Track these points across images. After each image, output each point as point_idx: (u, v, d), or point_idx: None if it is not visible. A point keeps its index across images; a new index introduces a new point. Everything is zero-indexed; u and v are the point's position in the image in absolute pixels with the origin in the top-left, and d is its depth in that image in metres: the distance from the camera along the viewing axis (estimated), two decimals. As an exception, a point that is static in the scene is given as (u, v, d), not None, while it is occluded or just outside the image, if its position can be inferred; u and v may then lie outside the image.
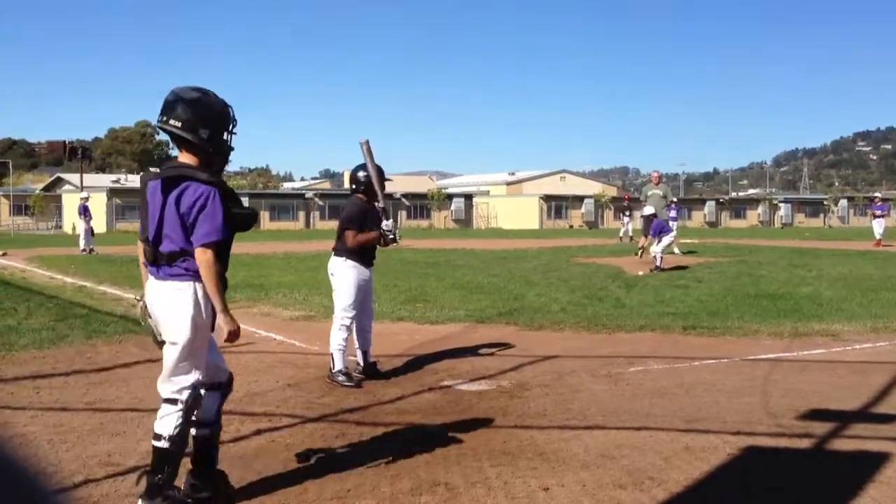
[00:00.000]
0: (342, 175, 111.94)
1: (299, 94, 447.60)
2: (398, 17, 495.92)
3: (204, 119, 3.75)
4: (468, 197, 77.36)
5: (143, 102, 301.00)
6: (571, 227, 71.64)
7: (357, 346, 7.15)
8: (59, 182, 78.02)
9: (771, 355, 7.99)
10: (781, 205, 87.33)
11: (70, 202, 54.98)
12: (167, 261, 3.77)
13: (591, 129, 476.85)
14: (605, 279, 15.63)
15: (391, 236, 6.86)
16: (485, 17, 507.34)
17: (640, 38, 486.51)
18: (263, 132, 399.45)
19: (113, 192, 62.09)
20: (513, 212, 73.73)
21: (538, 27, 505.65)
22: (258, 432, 5.32)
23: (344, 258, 6.92)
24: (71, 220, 50.14)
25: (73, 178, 67.40)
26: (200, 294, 3.81)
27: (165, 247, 3.78)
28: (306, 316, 10.81)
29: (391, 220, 6.88)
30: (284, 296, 12.91)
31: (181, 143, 3.78)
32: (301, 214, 68.13)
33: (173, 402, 3.86)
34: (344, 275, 6.91)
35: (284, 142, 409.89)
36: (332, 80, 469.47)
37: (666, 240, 17.91)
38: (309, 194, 70.68)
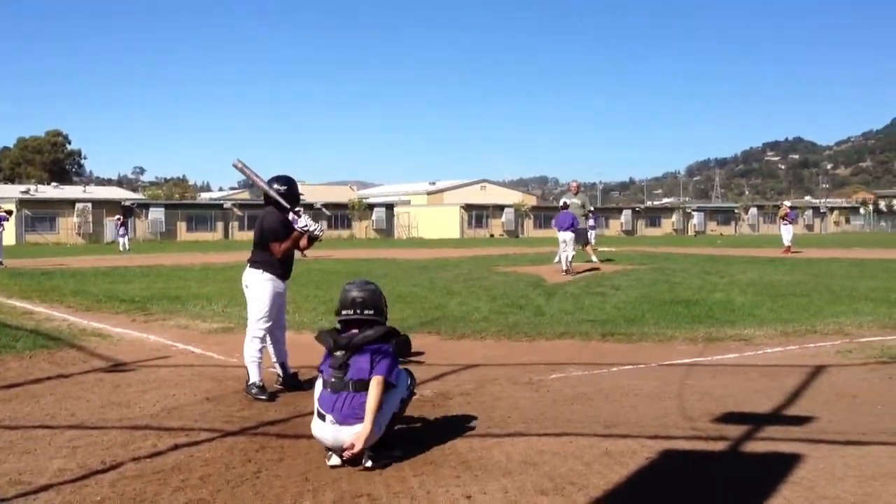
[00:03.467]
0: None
1: (215, 102, 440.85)
2: (315, 23, 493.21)
3: (381, 301, 5.34)
4: (389, 206, 77.36)
5: (54, 111, 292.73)
6: (492, 235, 72.22)
7: (274, 359, 7.07)
8: (-36, 193, 75.19)
9: (686, 360, 8.17)
10: (695, 213, 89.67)
11: (-25, 214, 53.01)
12: (354, 388, 4.97)
13: (511, 138, 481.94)
14: (525, 287, 15.77)
15: (312, 231, 6.80)
16: (404, 26, 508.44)
17: (556, 48, 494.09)
18: (180, 142, 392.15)
19: (23, 203, 60.24)
20: (434, 221, 74.00)
21: (457, 37, 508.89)
22: (176, 447, 5.20)
23: (261, 270, 6.81)
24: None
25: (-20, 188, 65.14)
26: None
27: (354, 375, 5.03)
28: (225, 328, 10.62)
29: (303, 217, 6.80)
30: (202, 308, 12.67)
31: (366, 322, 5.19)
32: (219, 225, 67.11)
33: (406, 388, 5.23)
34: (259, 287, 6.81)
35: (201, 151, 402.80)
36: (250, 90, 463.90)
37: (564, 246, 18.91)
38: (227, 204, 69.68)
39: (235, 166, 6.91)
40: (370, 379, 4.93)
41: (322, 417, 4.97)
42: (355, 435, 4.78)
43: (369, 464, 4.79)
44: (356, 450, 4.74)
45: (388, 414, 5.00)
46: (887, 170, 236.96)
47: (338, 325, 5.34)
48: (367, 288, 5.32)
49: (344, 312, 5.23)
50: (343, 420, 4.88)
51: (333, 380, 5.00)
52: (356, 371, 4.98)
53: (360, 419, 4.83)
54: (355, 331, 5.16)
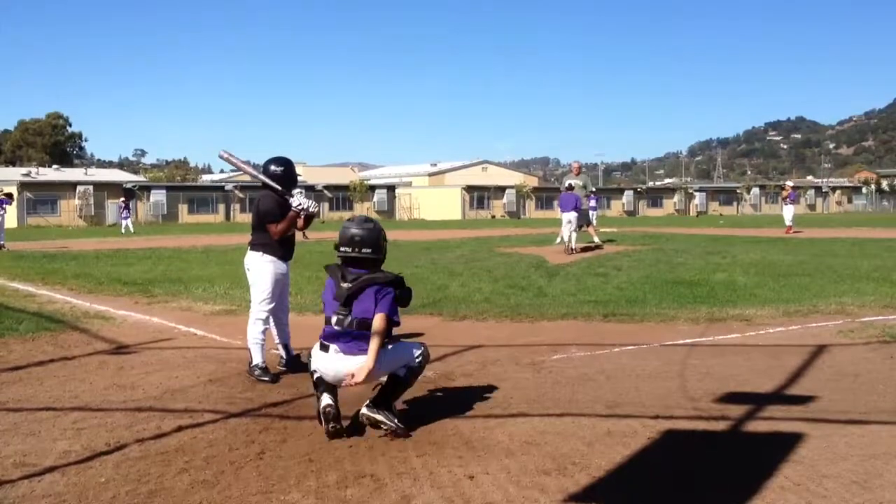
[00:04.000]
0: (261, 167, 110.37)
1: (217, 85, 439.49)
2: (315, 5, 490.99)
3: (380, 238, 5.33)
4: (391, 188, 77.24)
5: (55, 94, 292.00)
6: (493, 217, 72.18)
7: (277, 340, 7.08)
8: (-35, 176, 75.12)
9: (688, 340, 8.18)
10: (696, 193, 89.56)
11: (-24, 196, 53.10)
12: (358, 327, 5.12)
13: (512, 119, 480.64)
14: (527, 268, 15.78)
15: (307, 208, 6.76)
16: (404, 7, 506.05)
17: (557, 31, 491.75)
18: (181, 124, 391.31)
19: (24, 186, 60.26)
20: (435, 202, 73.96)
21: (458, 18, 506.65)
22: (179, 429, 5.22)
23: (261, 253, 6.81)
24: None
25: (-19, 171, 65.16)
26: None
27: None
28: (227, 310, 10.63)
29: (296, 196, 6.76)
30: (204, 290, 12.68)
31: (363, 259, 5.25)
32: (221, 207, 67.09)
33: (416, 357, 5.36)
34: (260, 269, 6.81)
35: (203, 133, 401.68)
36: (251, 72, 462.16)
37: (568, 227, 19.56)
38: (228, 187, 69.56)
39: (221, 157, 6.89)
40: (373, 318, 5.07)
41: (325, 349, 5.16)
42: (358, 366, 4.99)
43: (365, 410, 5.05)
44: (356, 380, 4.98)
45: (393, 362, 5.19)
46: (890, 149, 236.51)
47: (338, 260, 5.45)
48: (366, 226, 5.37)
49: (342, 249, 5.32)
50: (348, 350, 5.10)
51: (339, 317, 5.15)
52: (360, 311, 5.11)
53: (366, 352, 5.02)
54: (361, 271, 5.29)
